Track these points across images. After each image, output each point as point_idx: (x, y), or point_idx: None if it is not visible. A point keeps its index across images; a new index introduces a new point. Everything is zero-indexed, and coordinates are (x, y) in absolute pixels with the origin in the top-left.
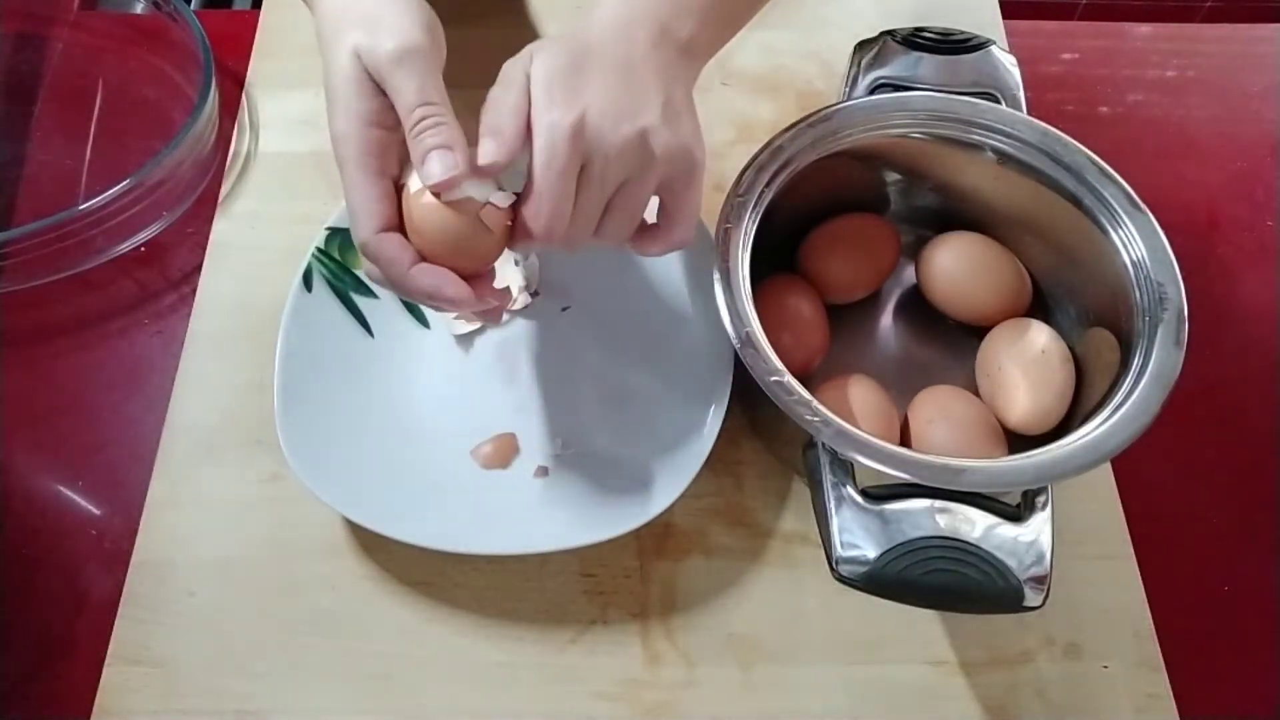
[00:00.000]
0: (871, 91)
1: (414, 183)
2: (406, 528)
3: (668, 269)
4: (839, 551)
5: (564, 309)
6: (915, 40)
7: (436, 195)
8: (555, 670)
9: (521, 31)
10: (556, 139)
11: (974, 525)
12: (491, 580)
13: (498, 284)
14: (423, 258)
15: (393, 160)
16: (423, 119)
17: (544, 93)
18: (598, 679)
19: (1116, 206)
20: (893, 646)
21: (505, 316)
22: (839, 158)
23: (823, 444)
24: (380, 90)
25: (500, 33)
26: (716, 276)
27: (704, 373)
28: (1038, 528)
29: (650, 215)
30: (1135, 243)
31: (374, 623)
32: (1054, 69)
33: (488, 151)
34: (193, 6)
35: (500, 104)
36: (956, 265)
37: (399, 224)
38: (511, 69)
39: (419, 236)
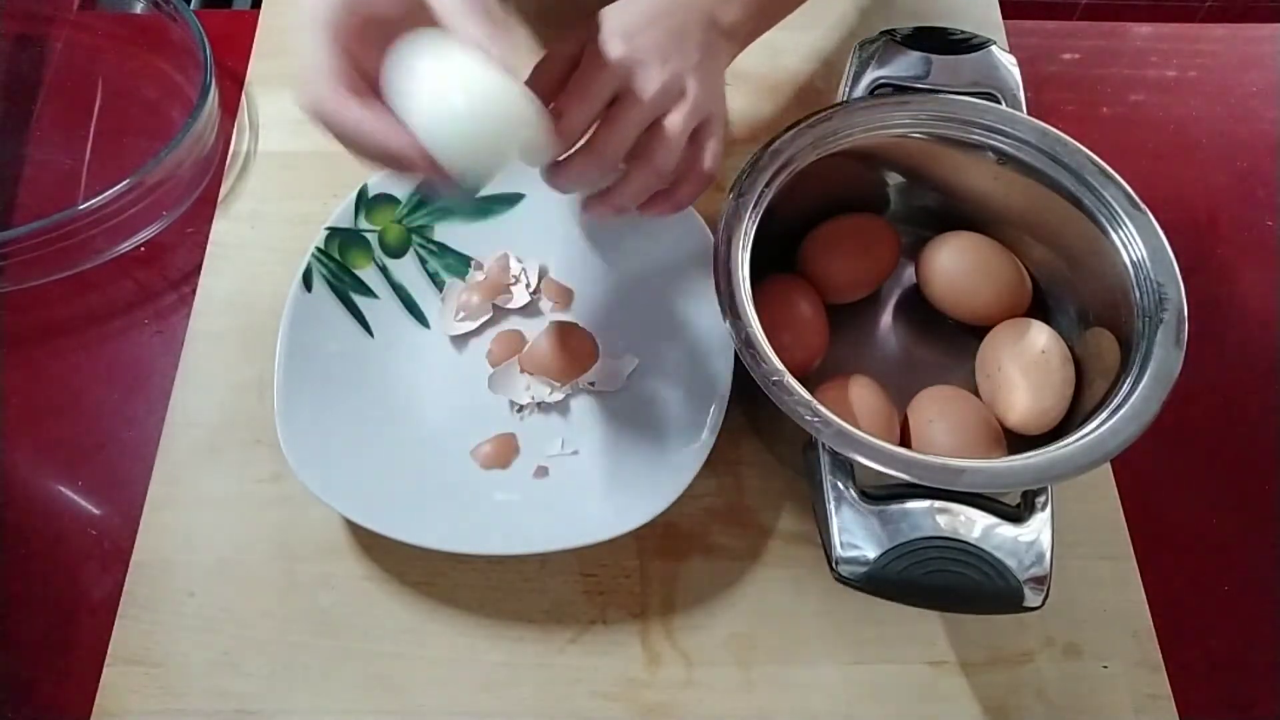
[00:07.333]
0: (871, 91)
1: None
2: (406, 528)
3: (668, 268)
4: (839, 551)
5: (563, 309)
6: (915, 40)
7: None
8: (555, 670)
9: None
10: (603, 49)
11: (974, 525)
12: (491, 580)
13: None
14: None
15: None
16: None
17: (602, 28)
18: (598, 679)
19: (1116, 206)
20: (892, 646)
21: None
22: (839, 158)
23: (823, 444)
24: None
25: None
26: (717, 277)
27: (704, 373)
28: (1038, 528)
29: None
30: (1135, 243)
31: (374, 623)
32: (1054, 69)
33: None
34: (193, 6)
35: (552, 52)
36: (956, 265)
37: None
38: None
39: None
